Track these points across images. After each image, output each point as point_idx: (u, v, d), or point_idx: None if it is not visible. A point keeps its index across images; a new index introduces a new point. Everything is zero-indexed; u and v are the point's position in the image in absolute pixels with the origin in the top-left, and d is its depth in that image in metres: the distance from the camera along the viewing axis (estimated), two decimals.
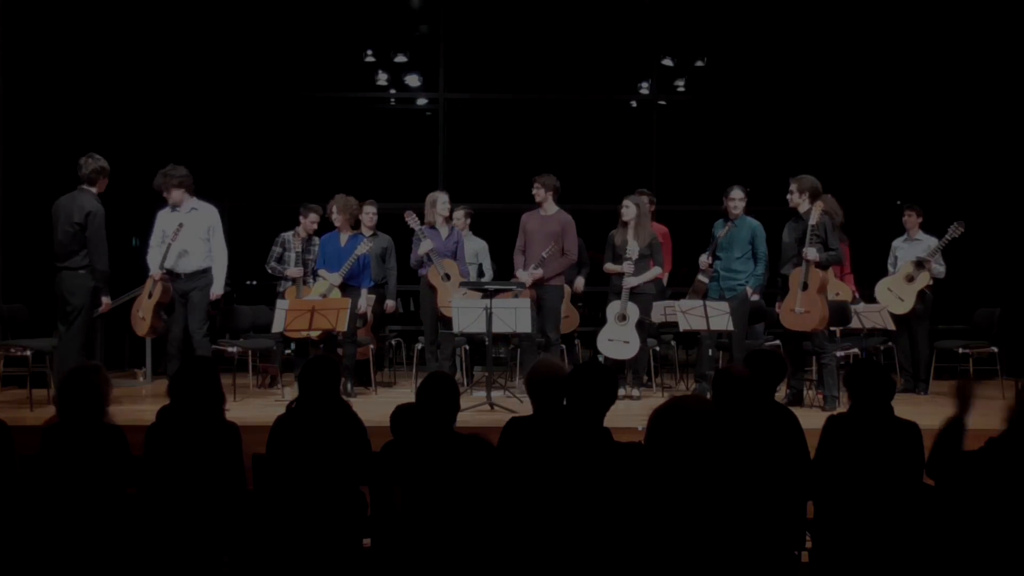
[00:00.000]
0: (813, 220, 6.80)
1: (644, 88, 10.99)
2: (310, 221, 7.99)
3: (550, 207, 7.70)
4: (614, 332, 7.45)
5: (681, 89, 10.82)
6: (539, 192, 7.68)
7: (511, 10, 9.89)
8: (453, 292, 7.51)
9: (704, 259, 7.65)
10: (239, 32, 9.62)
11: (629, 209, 7.53)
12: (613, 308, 7.47)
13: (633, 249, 7.38)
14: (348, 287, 7.62)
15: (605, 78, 10.78)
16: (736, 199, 7.48)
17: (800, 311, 6.79)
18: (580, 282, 8.42)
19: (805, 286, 6.79)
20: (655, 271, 7.57)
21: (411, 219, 7.77)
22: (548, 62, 10.44)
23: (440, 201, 7.82)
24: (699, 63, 10.57)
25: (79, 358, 6.48)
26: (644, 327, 7.49)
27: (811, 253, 6.78)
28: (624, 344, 7.41)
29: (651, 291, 7.59)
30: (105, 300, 6.86)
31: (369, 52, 10.56)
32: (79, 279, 6.74)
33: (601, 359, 7.66)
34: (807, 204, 6.94)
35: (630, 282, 7.41)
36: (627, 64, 10.68)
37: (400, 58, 10.66)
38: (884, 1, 9.43)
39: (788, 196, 7.04)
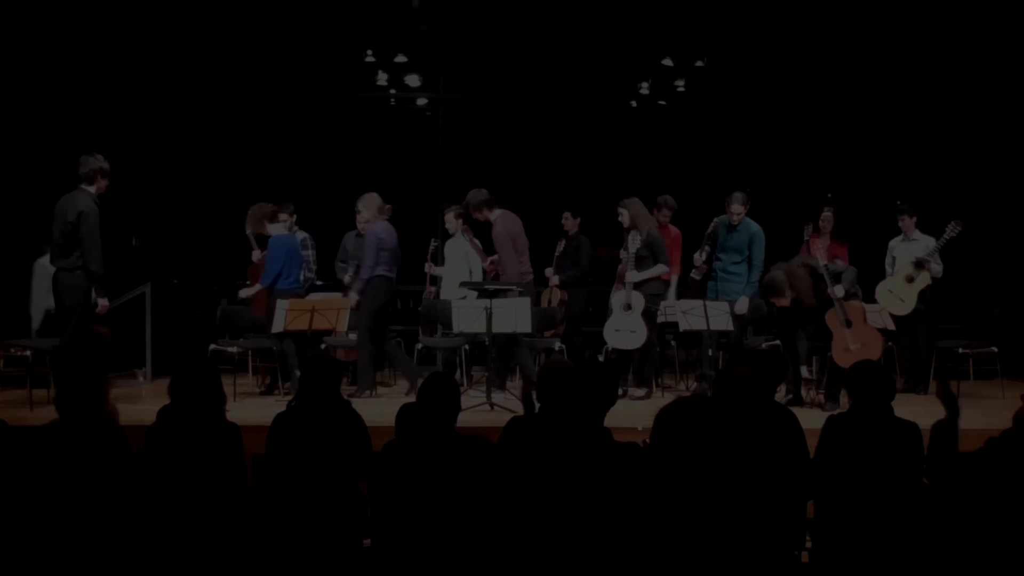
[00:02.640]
0: (824, 260, 6.84)
1: (644, 88, 10.98)
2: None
3: (495, 217, 7.72)
4: (620, 322, 7.43)
5: (681, 89, 10.82)
6: (479, 216, 7.76)
7: (511, 10, 9.89)
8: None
9: (698, 256, 7.69)
10: (240, 32, 9.61)
11: (623, 216, 7.56)
12: (618, 298, 7.46)
13: (634, 243, 7.40)
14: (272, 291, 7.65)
15: (605, 78, 10.78)
16: (736, 213, 7.48)
17: (856, 348, 6.75)
18: (555, 278, 8.50)
19: (849, 323, 6.79)
20: (658, 268, 7.54)
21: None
22: (548, 62, 10.44)
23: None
24: (699, 63, 10.57)
25: (76, 359, 6.47)
26: (652, 316, 7.48)
27: (839, 291, 6.78)
28: (631, 333, 7.40)
29: (657, 291, 7.57)
30: (101, 302, 6.72)
31: (369, 52, 10.56)
32: (73, 280, 6.66)
33: (601, 357, 7.67)
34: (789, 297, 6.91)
35: (632, 276, 7.41)
36: (627, 64, 10.67)
37: (400, 58, 10.65)
38: (883, 2, 9.42)
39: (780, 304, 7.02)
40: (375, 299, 7.56)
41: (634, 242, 7.39)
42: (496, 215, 7.68)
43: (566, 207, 8.61)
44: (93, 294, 6.64)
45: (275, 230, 7.70)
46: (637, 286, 7.40)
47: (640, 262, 7.43)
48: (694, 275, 7.98)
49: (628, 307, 7.41)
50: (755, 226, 7.49)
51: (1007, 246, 9.33)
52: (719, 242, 7.57)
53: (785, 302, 6.91)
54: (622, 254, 7.61)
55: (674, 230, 8.31)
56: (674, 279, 8.11)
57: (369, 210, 7.70)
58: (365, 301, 7.58)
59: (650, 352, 7.58)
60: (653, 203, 8.08)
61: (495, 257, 7.99)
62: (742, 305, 7.41)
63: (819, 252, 6.90)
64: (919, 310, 7.75)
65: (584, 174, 10.68)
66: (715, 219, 7.82)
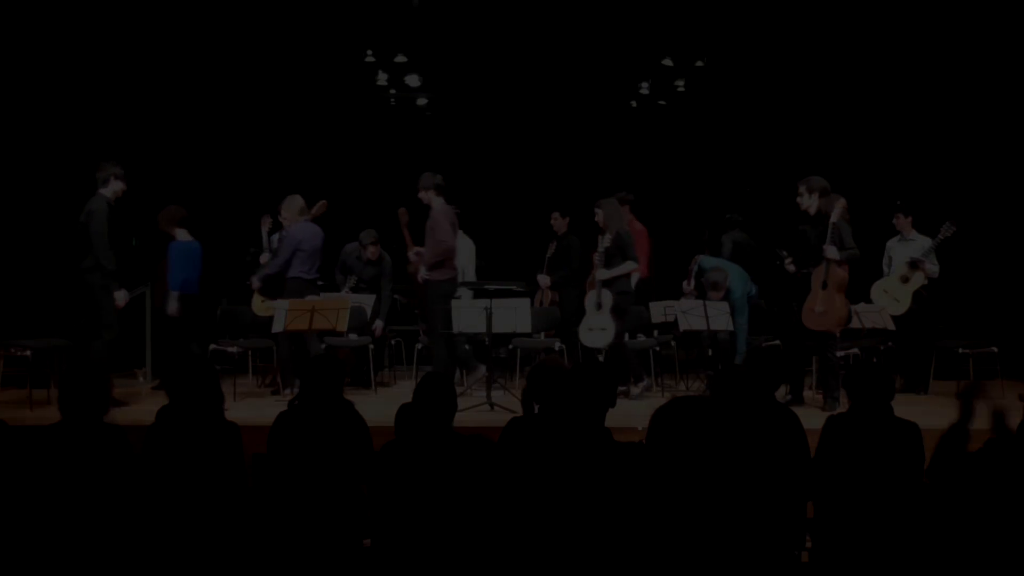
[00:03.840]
0: (834, 218, 6.77)
1: (644, 88, 10.97)
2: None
3: (437, 205, 7.70)
4: (593, 321, 7.54)
5: (681, 89, 10.82)
6: (423, 195, 7.72)
7: (511, 10, 9.88)
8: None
9: (686, 285, 7.79)
10: (240, 33, 9.60)
11: (598, 216, 7.64)
12: (591, 298, 7.56)
13: (603, 242, 7.48)
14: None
15: (605, 78, 10.77)
16: (714, 296, 7.58)
17: (821, 311, 6.77)
18: (546, 279, 8.57)
19: (825, 285, 6.77)
20: (627, 265, 7.55)
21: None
22: (548, 62, 10.43)
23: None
24: (699, 63, 10.57)
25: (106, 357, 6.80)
26: (621, 312, 7.50)
27: (831, 251, 6.75)
28: (602, 331, 7.49)
29: (626, 288, 7.60)
30: (118, 295, 6.96)
31: (369, 52, 10.56)
32: (94, 280, 6.88)
33: (601, 357, 7.67)
34: (816, 204, 6.91)
35: (601, 273, 7.48)
36: (627, 64, 10.67)
37: (400, 58, 10.65)
38: (883, 2, 9.43)
39: (797, 199, 6.99)
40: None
41: (603, 241, 7.44)
42: (439, 202, 7.68)
43: (558, 207, 8.63)
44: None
45: (181, 235, 7.89)
46: (607, 284, 7.45)
47: (609, 260, 7.47)
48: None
49: (599, 306, 7.45)
50: (734, 297, 7.62)
51: (1007, 246, 9.32)
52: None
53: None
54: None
55: (638, 226, 8.33)
56: (634, 277, 8.06)
57: (290, 212, 7.81)
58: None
59: (623, 349, 7.60)
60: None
61: (420, 249, 7.96)
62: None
63: (838, 208, 6.82)
64: (914, 310, 7.77)
65: (584, 175, 10.68)
66: (697, 256, 7.91)
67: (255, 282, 7.80)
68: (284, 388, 7.59)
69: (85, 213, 6.86)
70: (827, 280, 6.77)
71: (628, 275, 7.60)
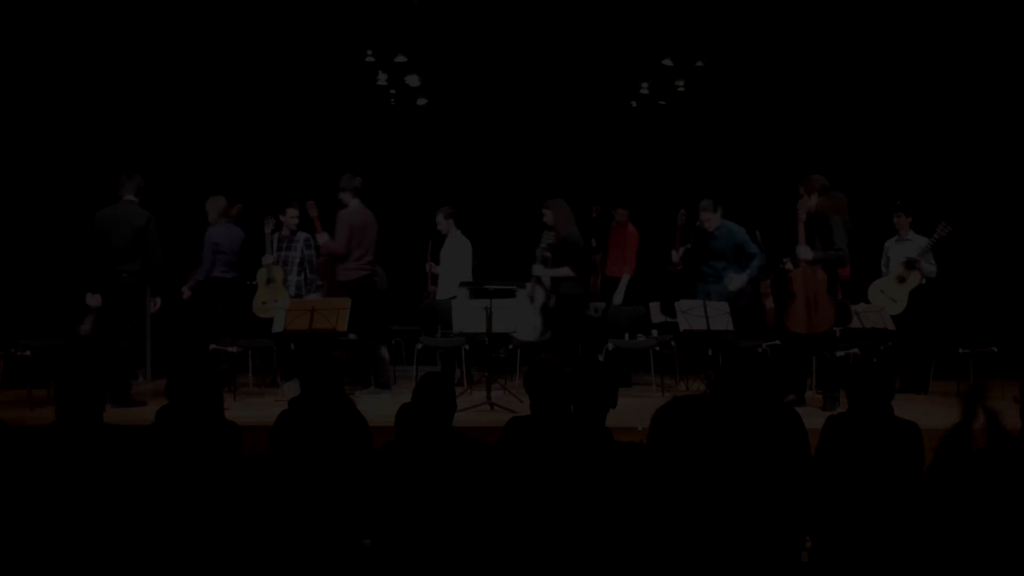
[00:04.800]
0: (803, 216, 6.77)
1: (644, 88, 10.97)
2: (288, 216, 8.17)
3: (352, 206, 7.72)
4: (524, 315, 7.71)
5: (681, 89, 10.82)
6: (342, 195, 7.75)
7: (511, 10, 9.89)
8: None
9: (675, 254, 7.80)
10: (241, 33, 9.60)
11: (546, 216, 7.74)
12: (525, 292, 7.67)
13: (545, 240, 7.64)
14: None
15: (605, 78, 10.77)
16: (707, 220, 7.52)
17: (808, 316, 6.82)
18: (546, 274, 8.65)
19: (792, 294, 6.82)
20: (562, 269, 7.65)
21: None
22: (548, 62, 10.43)
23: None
24: (699, 63, 10.57)
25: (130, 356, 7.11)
26: (553, 313, 7.60)
27: (803, 251, 6.76)
28: (532, 328, 7.68)
29: (572, 291, 7.65)
30: (156, 300, 7.21)
31: (369, 52, 10.56)
32: (140, 282, 7.07)
33: (601, 357, 7.68)
34: (817, 203, 6.88)
35: (537, 270, 7.68)
36: (627, 64, 10.67)
37: (400, 58, 10.64)
38: (883, 2, 9.43)
39: (798, 203, 6.96)
40: (213, 300, 7.78)
41: (547, 237, 7.57)
42: (354, 204, 7.71)
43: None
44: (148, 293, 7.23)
45: None
46: (552, 285, 7.57)
47: (555, 259, 7.61)
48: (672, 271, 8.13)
49: (531, 299, 7.65)
50: (734, 228, 7.50)
51: (1007, 246, 9.32)
52: (701, 246, 7.59)
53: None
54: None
55: (631, 229, 8.38)
56: (625, 278, 8.13)
57: (212, 212, 7.87)
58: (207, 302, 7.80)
59: (554, 347, 7.63)
60: (618, 202, 8.32)
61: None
62: (739, 281, 7.38)
63: (811, 200, 6.80)
64: (911, 310, 7.77)
65: (584, 175, 10.68)
66: (682, 210, 7.88)
67: (185, 291, 7.87)
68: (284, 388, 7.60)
69: (144, 219, 7.01)
70: (800, 286, 6.77)
71: (576, 279, 7.64)
